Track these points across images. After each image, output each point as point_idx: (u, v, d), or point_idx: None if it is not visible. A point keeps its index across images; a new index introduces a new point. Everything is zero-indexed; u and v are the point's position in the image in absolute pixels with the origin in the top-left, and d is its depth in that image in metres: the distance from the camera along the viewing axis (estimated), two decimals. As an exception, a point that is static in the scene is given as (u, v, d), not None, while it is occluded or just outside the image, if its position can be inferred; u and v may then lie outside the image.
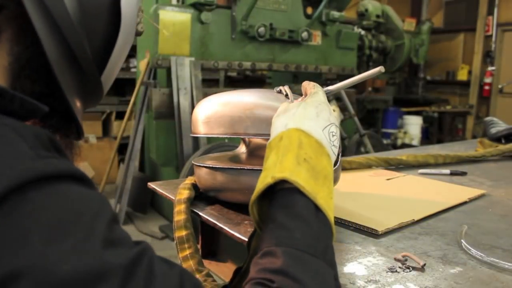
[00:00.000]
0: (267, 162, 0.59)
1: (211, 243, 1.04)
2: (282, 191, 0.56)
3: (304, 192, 0.54)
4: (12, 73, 0.49)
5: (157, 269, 0.40)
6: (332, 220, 0.55)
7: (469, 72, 7.34)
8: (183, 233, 0.82)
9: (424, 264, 0.68)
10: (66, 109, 0.53)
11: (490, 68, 7.04)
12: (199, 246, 1.03)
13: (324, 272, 0.49)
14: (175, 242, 0.83)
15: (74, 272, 0.35)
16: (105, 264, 0.36)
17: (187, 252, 0.80)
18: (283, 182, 0.55)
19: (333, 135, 0.63)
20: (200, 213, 0.89)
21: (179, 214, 0.86)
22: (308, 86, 0.72)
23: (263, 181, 0.56)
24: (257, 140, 0.96)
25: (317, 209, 0.54)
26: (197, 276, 0.75)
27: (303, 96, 0.72)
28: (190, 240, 0.82)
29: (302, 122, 0.61)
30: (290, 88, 0.82)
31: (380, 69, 0.77)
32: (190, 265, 0.77)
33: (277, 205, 0.55)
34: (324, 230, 0.53)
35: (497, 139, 1.82)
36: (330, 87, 0.80)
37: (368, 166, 1.35)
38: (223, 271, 0.97)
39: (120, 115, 4.77)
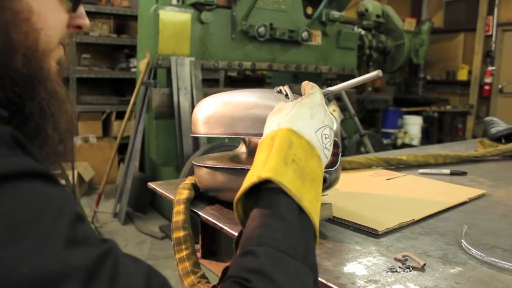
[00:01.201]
0: (256, 160, 0.59)
1: (211, 243, 1.04)
2: (267, 191, 0.55)
3: (289, 193, 0.53)
4: None
5: (122, 269, 0.39)
6: (316, 223, 0.54)
7: (469, 72, 7.34)
8: (181, 234, 0.82)
9: (424, 264, 0.68)
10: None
11: (490, 68, 7.04)
12: (199, 246, 1.03)
13: (302, 274, 0.48)
14: (172, 243, 0.83)
15: (32, 275, 0.33)
16: (66, 265, 0.35)
17: (184, 253, 0.79)
18: (269, 182, 0.54)
19: (326, 138, 0.62)
20: (200, 213, 0.89)
21: (178, 215, 0.86)
22: (306, 86, 0.72)
23: (249, 180, 0.56)
24: (257, 140, 0.95)
25: (301, 211, 0.53)
26: (192, 277, 0.75)
27: (302, 96, 0.72)
28: (188, 241, 0.81)
29: (295, 123, 0.60)
30: (290, 88, 0.82)
31: (377, 73, 0.77)
32: (185, 266, 0.77)
33: (261, 205, 0.54)
34: (306, 232, 0.53)
35: (497, 139, 1.81)
36: (330, 88, 0.80)
37: (368, 166, 1.35)
38: (223, 271, 0.97)
39: (120, 115, 4.77)
